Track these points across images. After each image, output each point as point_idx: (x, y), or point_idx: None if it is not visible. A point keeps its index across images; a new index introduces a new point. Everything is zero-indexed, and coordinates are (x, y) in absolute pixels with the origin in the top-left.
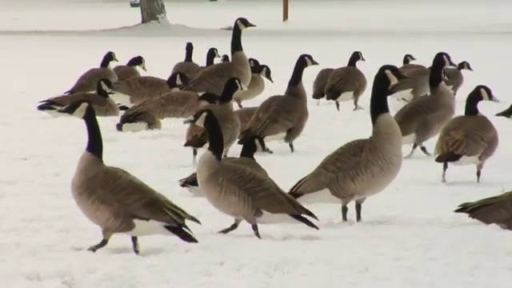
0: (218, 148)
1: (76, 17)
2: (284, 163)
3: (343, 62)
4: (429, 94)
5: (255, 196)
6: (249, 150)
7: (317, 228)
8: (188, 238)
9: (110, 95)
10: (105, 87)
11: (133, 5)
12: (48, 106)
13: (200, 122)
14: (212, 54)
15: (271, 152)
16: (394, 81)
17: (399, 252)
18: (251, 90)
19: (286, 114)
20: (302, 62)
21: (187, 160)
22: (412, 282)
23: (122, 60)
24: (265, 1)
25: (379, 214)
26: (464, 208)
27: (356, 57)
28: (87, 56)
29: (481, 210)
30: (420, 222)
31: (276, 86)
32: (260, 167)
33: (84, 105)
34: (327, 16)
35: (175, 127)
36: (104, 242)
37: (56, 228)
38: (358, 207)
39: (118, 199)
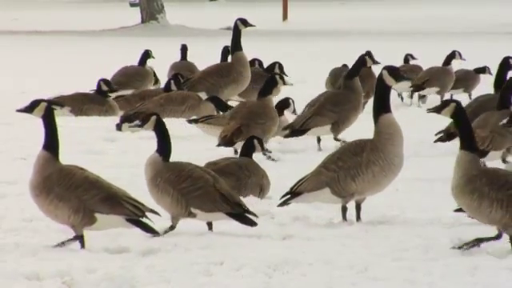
0: (165, 150)
1: (75, 17)
2: (284, 162)
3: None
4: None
5: (189, 196)
6: (248, 151)
7: (255, 225)
8: (150, 229)
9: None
10: (104, 87)
11: (132, 5)
12: None
13: (149, 126)
14: (226, 51)
15: (270, 152)
16: (391, 82)
17: (399, 252)
18: None
19: (332, 106)
20: (362, 60)
21: (186, 160)
22: (412, 282)
23: (122, 60)
24: (264, 1)
25: (379, 214)
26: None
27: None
28: (87, 56)
29: None
30: (420, 222)
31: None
32: (259, 167)
33: (43, 104)
34: (327, 16)
35: (174, 127)
36: (172, 227)
37: (55, 228)
38: (358, 207)
39: (75, 195)
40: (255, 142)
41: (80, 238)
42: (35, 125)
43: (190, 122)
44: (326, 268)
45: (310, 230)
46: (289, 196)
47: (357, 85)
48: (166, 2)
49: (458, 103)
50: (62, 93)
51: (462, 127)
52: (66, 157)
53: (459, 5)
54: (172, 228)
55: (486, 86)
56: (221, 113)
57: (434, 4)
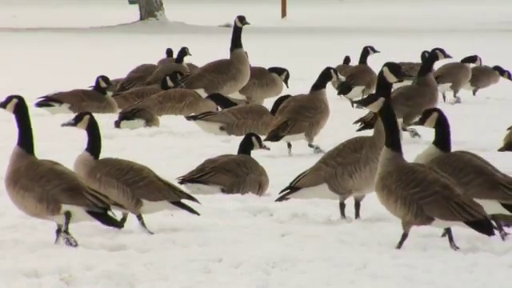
0: (95, 148)
1: (74, 14)
2: (283, 159)
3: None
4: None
5: (134, 186)
6: (246, 147)
7: (198, 214)
8: (111, 223)
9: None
10: (103, 84)
11: (131, 2)
12: (46, 102)
13: (82, 125)
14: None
15: (268, 149)
16: (391, 79)
17: (398, 250)
18: (267, 90)
19: (405, 99)
20: (434, 55)
21: (185, 157)
22: (411, 279)
23: (122, 59)
24: None
25: (378, 212)
26: None
27: (366, 52)
28: (86, 53)
29: None
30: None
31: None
32: (257, 164)
33: (14, 100)
34: (325, 13)
35: (173, 124)
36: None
37: (54, 225)
38: (357, 205)
39: (39, 185)
40: (253, 138)
41: (58, 231)
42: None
43: (189, 118)
44: (325, 265)
45: (308, 227)
46: (288, 191)
47: (430, 79)
48: None
49: (386, 99)
50: (61, 89)
51: (388, 124)
52: (65, 154)
53: (459, 2)
54: (124, 220)
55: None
56: (219, 109)
57: (434, 1)
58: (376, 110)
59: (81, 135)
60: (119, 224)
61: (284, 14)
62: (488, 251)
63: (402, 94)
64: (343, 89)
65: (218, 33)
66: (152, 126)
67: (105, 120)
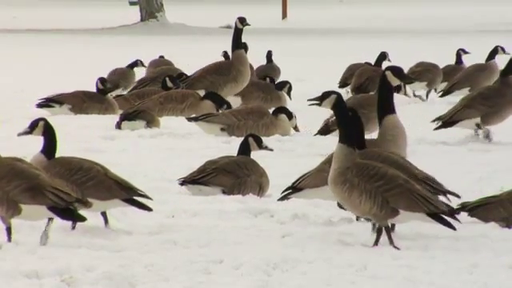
0: (49, 150)
1: (75, 15)
2: (285, 162)
3: (342, 60)
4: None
5: (83, 186)
6: (245, 149)
7: (150, 210)
8: (75, 218)
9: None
10: (100, 86)
11: (131, 3)
12: (47, 103)
13: (38, 132)
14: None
15: (271, 150)
16: (394, 82)
17: (398, 251)
18: (270, 106)
19: (483, 99)
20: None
21: (185, 158)
22: (411, 280)
23: (122, 60)
24: None
25: None
26: (463, 207)
27: (383, 57)
28: (86, 54)
29: (480, 209)
30: (419, 221)
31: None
32: (258, 165)
33: None
34: (326, 14)
35: (174, 126)
36: None
37: (54, 226)
38: None
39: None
40: (251, 139)
41: (8, 229)
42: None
43: (190, 120)
44: (326, 266)
45: (309, 228)
46: (290, 191)
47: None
48: (166, 0)
49: (338, 95)
50: (61, 91)
51: (341, 120)
52: (65, 155)
53: (459, 3)
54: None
55: None
56: (220, 110)
57: (434, 2)
58: (329, 106)
59: (82, 136)
60: (82, 218)
61: (285, 15)
62: (488, 252)
63: (482, 93)
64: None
65: (218, 34)
66: (153, 127)
67: (106, 121)
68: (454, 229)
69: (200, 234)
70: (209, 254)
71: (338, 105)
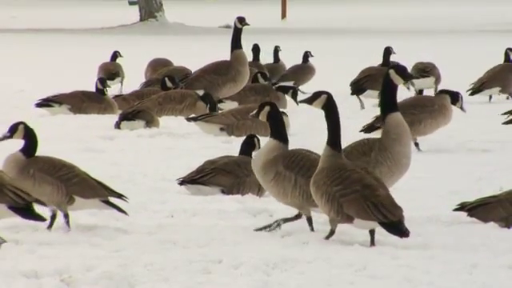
0: (29, 149)
1: (74, 15)
2: None
3: (342, 60)
4: None
5: (68, 183)
6: (247, 148)
7: (126, 213)
8: (33, 217)
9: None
10: (100, 86)
11: (131, 3)
12: (46, 103)
13: (18, 136)
14: (257, 49)
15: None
16: (398, 81)
17: (397, 250)
18: None
19: None
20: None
21: (185, 158)
22: (410, 280)
23: (122, 60)
24: None
25: None
26: (462, 207)
27: (388, 53)
28: (86, 54)
29: (479, 209)
30: (418, 221)
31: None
32: None
33: None
34: (326, 14)
35: (173, 126)
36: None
37: (54, 226)
38: None
39: None
40: (255, 140)
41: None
42: (34, 123)
43: (189, 120)
44: (325, 266)
45: (308, 228)
46: None
47: None
48: (165, 0)
49: (329, 95)
50: (60, 91)
51: (330, 121)
52: (65, 155)
53: (458, 3)
54: (54, 217)
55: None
56: (219, 111)
57: (434, 3)
58: (320, 106)
59: (81, 136)
60: (42, 218)
61: (284, 15)
62: (488, 252)
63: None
64: (354, 89)
65: (217, 34)
66: (152, 127)
67: (105, 121)
68: (403, 237)
69: (199, 234)
70: (208, 253)
71: (329, 105)
